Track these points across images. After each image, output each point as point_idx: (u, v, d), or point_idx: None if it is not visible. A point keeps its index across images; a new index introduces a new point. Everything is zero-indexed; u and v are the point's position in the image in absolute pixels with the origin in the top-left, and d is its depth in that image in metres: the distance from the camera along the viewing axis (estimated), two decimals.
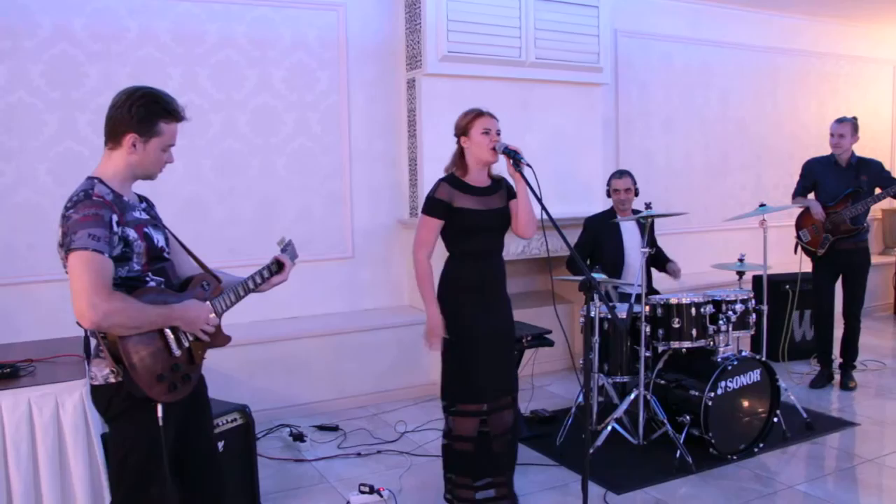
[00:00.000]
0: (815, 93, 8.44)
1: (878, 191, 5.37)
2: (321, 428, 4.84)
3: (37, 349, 3.58)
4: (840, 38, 8.56)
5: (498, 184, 3.57)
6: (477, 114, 3.44)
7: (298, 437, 4.59)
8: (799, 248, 5.66)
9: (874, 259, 8.35)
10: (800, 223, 5.64)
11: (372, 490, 3.74)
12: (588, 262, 5.18)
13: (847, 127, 5.37)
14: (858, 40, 8.75)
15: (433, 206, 3.44)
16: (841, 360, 5.69)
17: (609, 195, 5.25)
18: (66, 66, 4.70)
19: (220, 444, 3.44)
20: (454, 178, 3.48)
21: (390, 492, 3.78)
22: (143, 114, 2.33)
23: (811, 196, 5.59)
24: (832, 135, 5.44)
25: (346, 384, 5.33)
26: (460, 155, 3.50)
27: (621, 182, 5.16)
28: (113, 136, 2.36)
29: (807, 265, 5.73)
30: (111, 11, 4.83)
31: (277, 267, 2.76)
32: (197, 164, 5.16)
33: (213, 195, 5.25)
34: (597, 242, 5.22)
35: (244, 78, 5.28)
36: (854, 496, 3.81)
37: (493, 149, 3.39)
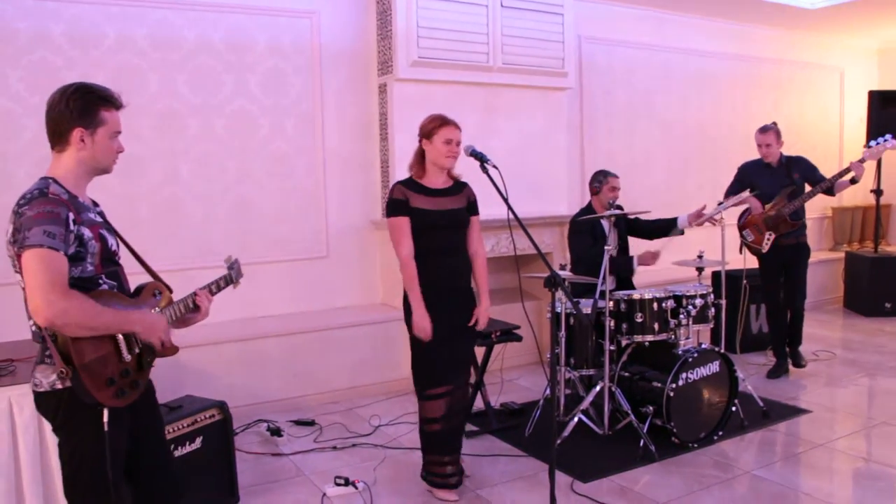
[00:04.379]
0: (769, 97, 8.68)
1: (808, 188, 5.62)
2: (298, 423, 4.90)
3: (17, 349, 3.58)
4: (791, 46, 8.84)
5: (459, 187, 3.75)
6: (442, 122, 3.60)
7: (275, 432, 4.64)
8: (744, 247, 5.88)
9: (825, 255, 8.66)
10: (743, 224, 5.85)
11: (347, 482, 3.86)
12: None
13: (771, 136, 5.62)
14: (808, 48, 9.04)
15: (394, 206, 3.63)
16: (789, 346, 5.89)
17: (596, 192, 5.18)
18: (44, 72, 4.72)
19: (199, 440, 3.53)
20: (409, 181, 3.69)
21: (365, 483, 3.89)
22: (81, 106, 2.28)
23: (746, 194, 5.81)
24: (759, 145, 5.67)
25: (322, 380, 5.40)
26: (420, 155, 3.69)
27: (617, 181, 5.17)
28: (58, 136, 2.30)
29: (753, 261, 5.94)
30: (89, 18, 4.87)
31: (194, 305, 2.66)
32: (175, 166, 5.22)
33: (191, 197, 5.30)
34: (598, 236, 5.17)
35: (221, 83, 5.34)
36: (807, 479, 3.95)
37: (449, 157, 3.60)
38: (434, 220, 3.62)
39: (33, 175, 4.61)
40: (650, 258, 5.08)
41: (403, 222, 3.61)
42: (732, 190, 5.81)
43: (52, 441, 3.04)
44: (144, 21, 5.06)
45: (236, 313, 5.36)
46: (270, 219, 5.62)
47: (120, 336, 2.29)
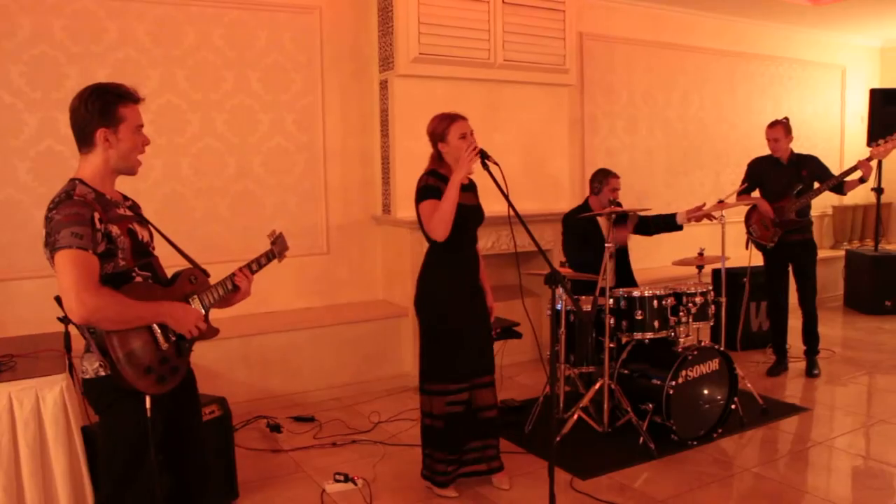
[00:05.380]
0: (770, 95, 8.68)
1: (816, 185, 5.59)
2: (297, 419, 4.90)
3: (17, 344, 3.59)
4: (793, 43, 8.82)
5: (473, 185, 3.76)
6: (450, 120, 3.58)
7: (275, 428, 4.65)
8: (749, 243, 5.88)
9: (826, 253, 8.65)
10: (749, 219, 5.85)
11: (347, 478, 3.87)
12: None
13: (779, 130, 5.59)
14: (810, 46, 9.02)
15: (430, 189, 3.57)
16: (805, 349, 5.86)
17: (596, 192, 5.18)
18: (46, 67, 4.73)
19: None
20: (437, 173, 3.63)
21: (364, 480, 3.89)
22: (100, 106, 2.33)
23: (756, 193, 5.79)
24: (768, 139, 5.65)
25: (322, 376, 5.40)
26: (438, 158, 3.65)
27: (618, 181, 5.17)
28: (83, 138, 2.37)
29: (757, 258, 5.93)
30: (90, 13, 4.87)
31: (233, 286, 2.71)
32: (175, 162, 5.22)
33: (191, 193, 5.31)
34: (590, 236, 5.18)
35: (221, 79, 5.34)
36: (806, 477, 3.97)
37: (473, 150, 3.49)
38: (466, 215, 3.61)
39: (35, 169, 4.68)
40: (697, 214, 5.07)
41: (433, 203, 3.54)
42: (744, 189, 5.81)
43: (52, 436, 3.06)
44: (145, 16, 5.06)
45: (236, 309, 5.29)
46: (271, 215, 5.61)
47: (155, 325, 2.36)
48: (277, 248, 2.94)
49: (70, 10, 4.81)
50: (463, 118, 3.60)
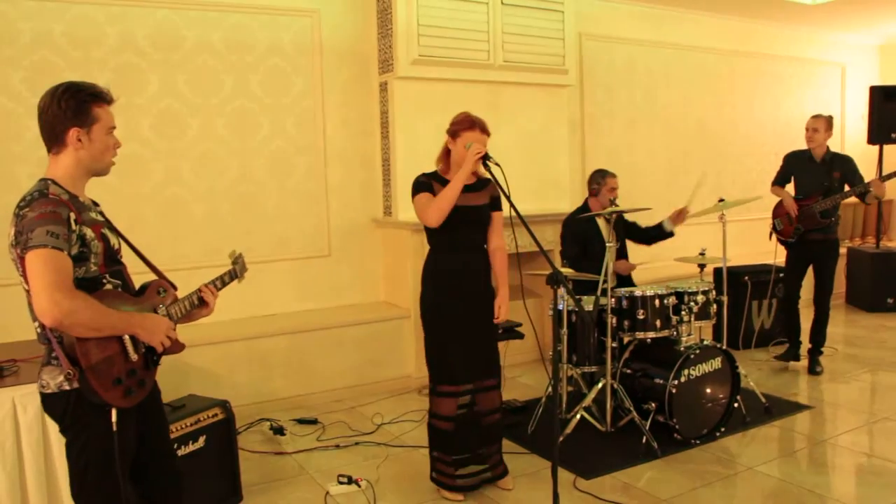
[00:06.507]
0: (770, 94, 8.68)
1: (846, 187, 5.60)
2: (300, 421, 4.90)
3: (20, 349, 3.59)
4: (793, 42, 8.83)
5: (482, 184, 3.71)
6: (468, 125, 3.59)
7: (278, 431, 4.65)
8: (773, 235, 5.90)
9: None
10: (776, 212, 5.86)
11: (350, 480, 3.87)
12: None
13: (821, 122, 5.62)
14: (809, 44, 9.04)
15: (419, 185, 3.62)
16: (810, 346, 5.88)
17: (595, 193, 5.18)
18: (46, 73, 4.71)
19: (202, 439, 3.54)
20: (434, 174, 3.67)
21: (368, 482, 3.89)
22: (74, 105, 2.26)
23: (788, 187, 5.82)
24: (807, 129, 5.67)
25: (324, 379, 5.41)
26: (446, 152, 3.68)
27: (616, 181, 5.17)
28: (54, 138, 2.29)
29: (781, 253, 5.96)
30: (90, 18, 4.88)
31: (199, 301, 2.66)
32: (176, 166, 5.23)
33: (193, 196, 5.31)
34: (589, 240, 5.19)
35: (221, 82, 5.34)
36: (809, 474, 3.96)
37: (477, 153, 3.48)
38: (455, 215, 3.58)
39: (35, 175, 4.58)
40: (680, 217, 5.14)
41: (428, 196, 3.58)
42: (778, 178, 5.88)
43: (55, 441, 3.07)
44: (145, 21, 5.06)
45: (238, 312, 5.37)
46: (272, 217, 5.62)
47: (126, 336, 2.29)
48: (238, 268, 2.95)
49: (70, 15, 4.82)
50: (482, 133, 3.60)
